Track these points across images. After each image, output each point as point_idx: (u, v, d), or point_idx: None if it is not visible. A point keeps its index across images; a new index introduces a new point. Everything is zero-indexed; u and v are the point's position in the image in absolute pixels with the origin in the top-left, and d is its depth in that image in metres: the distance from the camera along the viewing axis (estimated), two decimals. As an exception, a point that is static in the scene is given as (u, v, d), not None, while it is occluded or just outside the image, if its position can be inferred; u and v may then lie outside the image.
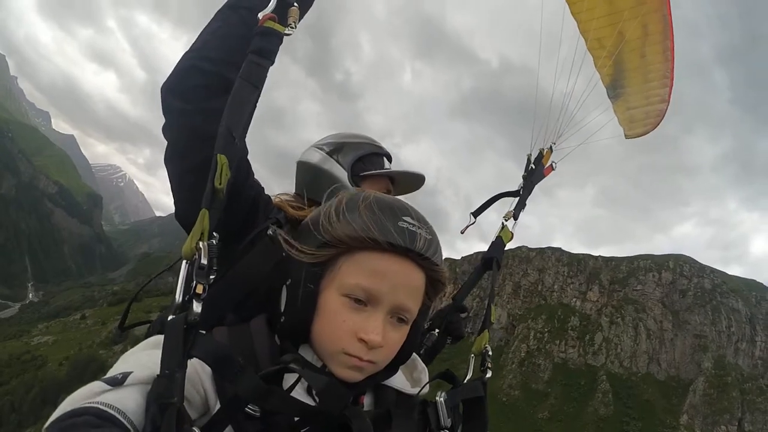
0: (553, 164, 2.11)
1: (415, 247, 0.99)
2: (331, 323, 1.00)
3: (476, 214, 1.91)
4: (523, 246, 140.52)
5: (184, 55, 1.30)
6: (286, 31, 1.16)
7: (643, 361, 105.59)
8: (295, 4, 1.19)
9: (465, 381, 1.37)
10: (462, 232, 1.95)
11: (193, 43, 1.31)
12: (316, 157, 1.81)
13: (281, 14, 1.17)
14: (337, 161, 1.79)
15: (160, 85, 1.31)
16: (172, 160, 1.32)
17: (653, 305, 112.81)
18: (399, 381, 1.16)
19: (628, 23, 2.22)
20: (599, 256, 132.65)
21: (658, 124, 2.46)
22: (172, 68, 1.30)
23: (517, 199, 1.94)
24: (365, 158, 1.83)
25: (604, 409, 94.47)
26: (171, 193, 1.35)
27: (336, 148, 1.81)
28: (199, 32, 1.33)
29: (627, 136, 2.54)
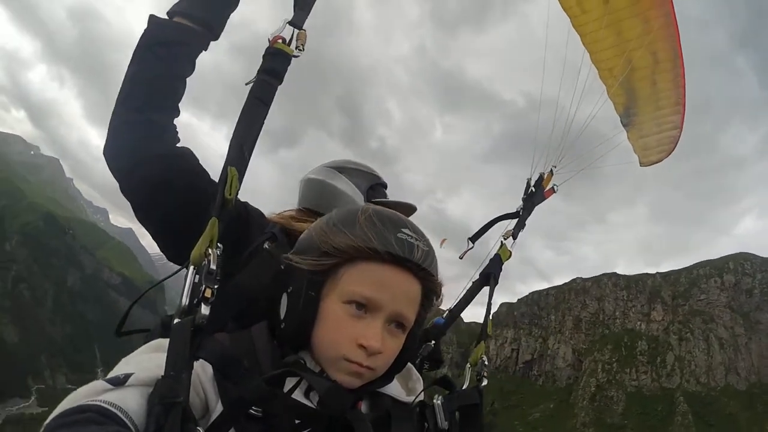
0: (555, 187, 2.14)
1: (413, 257, 1.04)
2: (332, 330, 1.03)
3: (474, 239, 1.98)
4: (577, 278, 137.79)
5: (113, 112, 1.32)
6: (294, 53, 1.21)
7: (720, 373, 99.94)
8: (304, 29, 1.23)
9: (462, 388, 1.43)
10: (461, 258, 2.01)
11: (118, 96, 1.32)
12: (327, 175, 1.90)
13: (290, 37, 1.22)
14: (350, 181, 1.90)
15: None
16: (146, 218, 1.39)
17: (721, 312, 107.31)
18: (394, 389, 1.19)
19: (636, 52, 2.27)
20: (656, 273, 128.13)
21: (672, 151, 2.48)
22: (107, 129, 1.32)
23: (516, 220, 2.02)
24: (375, 187, 1.97)
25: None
26: (158, 245, 1.42)
27: (346, 170, 1.93)
28: (124, 82, 1.33)
29: (642, 164, 2.55)
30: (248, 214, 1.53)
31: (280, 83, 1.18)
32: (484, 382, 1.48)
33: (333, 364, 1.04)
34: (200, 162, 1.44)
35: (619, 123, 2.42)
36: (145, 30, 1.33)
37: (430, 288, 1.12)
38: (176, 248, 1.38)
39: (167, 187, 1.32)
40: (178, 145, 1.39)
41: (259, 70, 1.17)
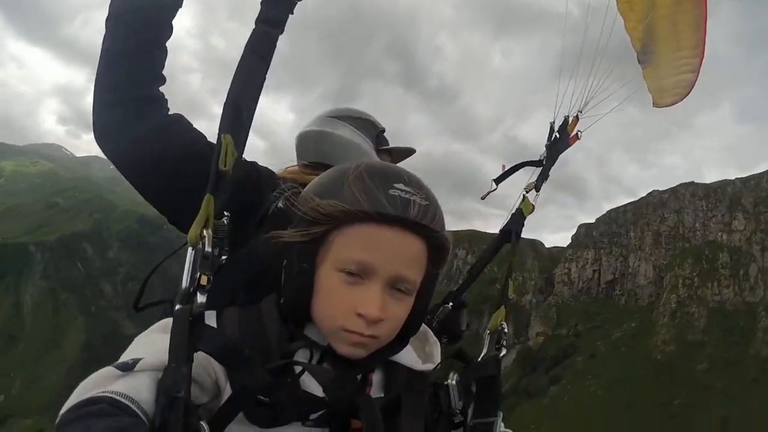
0: (579, 133, 1.99)
1: (408, 215, 0.95)
2: (327, 300, 0.98)
3: (498, 181, 1.88)
4: (653, 191, 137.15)
5: (93, 92, 1.26)
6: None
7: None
8: None
9: (479, 359, 1.36)
10: (483, 198, 1.91)
11: (96, 74, 1.26)
12: (327, 124, 1.76)
13: None
14: (355, 128, 1.78)
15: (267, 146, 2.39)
16: (148, 196, 1.35)
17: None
18: (409, 357, 1.12)
19: None
20: (736, 178, 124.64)
21: (687, 95, 2.37)
22: (92, 111, 1.27)
23: (540, 169, 1.88)
24: (380, 135, 1.87)
25: (767, 350, 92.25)
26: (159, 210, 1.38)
27: (348, 118, 1.80)
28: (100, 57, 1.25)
29: (655, 105, 2.43)
30: (258, 173, 1.45)
31: (281, 32, 1.07)
32: (503, 352, 1.40)
33: (333, 335, 0.99)
34: (193, 127, 1.38)
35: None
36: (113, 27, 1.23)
37: (436, 244, 1.02)
38: (175, 218, 1.36)
39: (160, 163, 1.27)
40: (168, 114, 1.32)
41: (257, 20, 1.05)
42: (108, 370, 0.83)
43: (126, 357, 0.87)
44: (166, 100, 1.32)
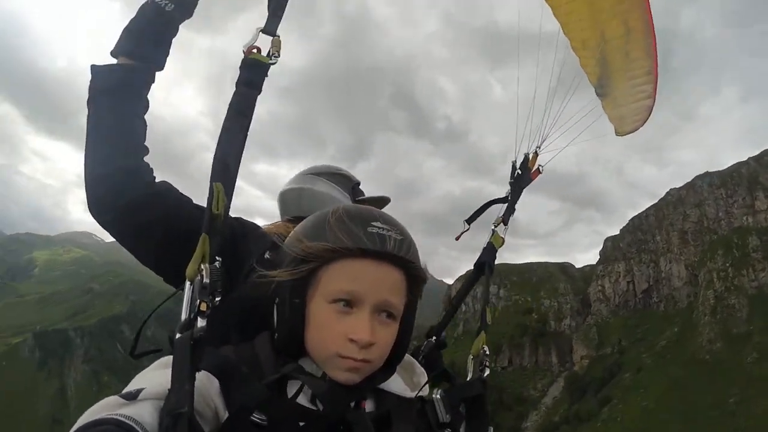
0: (540, 168, 2.12)
1: (386, 248, 1.06)
2: (321, 330, 1.06)
3: (470, 221, 1.96)
4: (670, 189, 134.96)
5: (84, 166, 1.33)
6: (270, 61, 1.21)
7: None
8: (278, 35, 1.23)
9: (466, 381, 1.44)
10: (456, 239, 2.00)
11: (84, 150, 1.33)
12: (306, 181, 1.95)
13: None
14: (332, 183, 1.95)
15: None
16: (141, 259, 1.43)
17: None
18: (398, 386, 1.19)
19: (608, 23, 2.30)
20: (749, 158, 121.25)
21: (646, 120, 2.49)
22: (84, 184, 1.34)
23: (506, 205, 1.99)
24: (355, 188, 2.05)
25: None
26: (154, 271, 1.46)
27: (324, 174, 1.97)
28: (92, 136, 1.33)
29: (618, 134, 2.55)
30: (243, 227, 1.55)
31: (259, 93, 1.19)
32: (487, 372, 1.49)
33: (329, 362, 1.06)
34: (179, 192, 1.46)
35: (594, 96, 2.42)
36: (89, 81, 1.33)
37: (413, 273, 1.12)
38: (173, 276, 1.41)
39: (152, 228, 1.35)
40: (154, 182, 1.39)
41: (237, 83, 1.18)
42: (113, 399, 0.88)
43: (129, 388, 0.92)
44: (152, 169, 1.39)
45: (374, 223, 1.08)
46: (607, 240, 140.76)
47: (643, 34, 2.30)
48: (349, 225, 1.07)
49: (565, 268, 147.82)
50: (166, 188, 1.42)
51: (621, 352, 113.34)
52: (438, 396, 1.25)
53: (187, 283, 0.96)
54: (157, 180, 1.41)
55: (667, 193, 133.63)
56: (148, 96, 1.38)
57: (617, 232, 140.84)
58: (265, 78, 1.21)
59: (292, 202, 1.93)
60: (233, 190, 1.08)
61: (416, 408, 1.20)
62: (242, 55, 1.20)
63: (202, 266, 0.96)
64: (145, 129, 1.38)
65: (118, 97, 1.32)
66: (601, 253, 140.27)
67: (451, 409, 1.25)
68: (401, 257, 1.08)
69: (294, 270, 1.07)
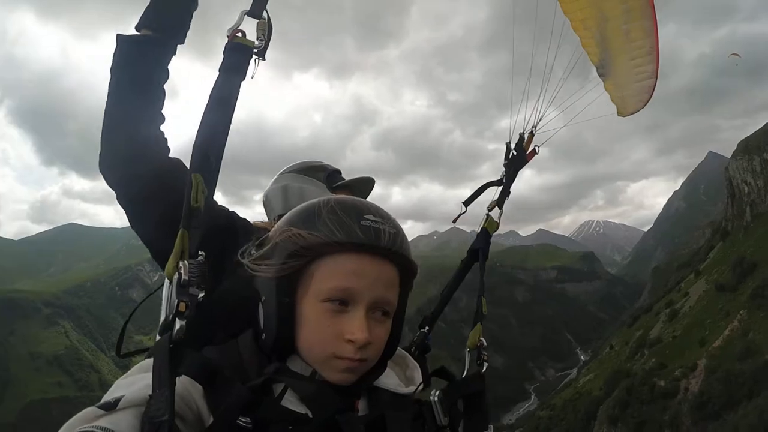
0: (537, 148, 2.06)
1: (381, 243, 1.01)
2: (315, 331, 1.01)
3: (467, 203, 1.93)
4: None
5: (102, 126, 1.35)
6: (255, 45, 1.16)
7: None
8: (264, 17, 1.18)
9: (463, 376, 1.39)
10: (454, 222, 1.98)
11: (104, 111, 1.35)
12: (288, 179, 1.99)
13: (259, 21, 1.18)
14: (311, 177, 2.01)
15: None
16: (138, 228, 1.43)
17: None
18: (391, 381, 1.16)
19: (607, 2, 2.25)
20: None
21: (649, 100, 2.44)
22: (100, 142, 1.35)
23: (501, 187, 1.95)
24: (331, 174, 2.07)
25: None
26: (148, 247, 1.43)
27: (302, 170, 2.03)
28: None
29: (620, 114, 2.53)
30: (234, 222, 1.56)
31: (243, 79, 1.14)
32: (485, 367, 1.44)
33: (324, 364, 1.02)
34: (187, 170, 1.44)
35: (596, 74, 2.39)
36: (114, 49, 1.35)
37: (406, 268, 1.09)
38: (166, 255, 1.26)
39: (154, 200, 1.36)
40: (169, 157, 1.41)
41: (219, 68, 1.12)
42: (90, 410, 0.84)
43: (107, 397, 0.87)
44: (167, 139, 1.41)
45: (367, 216, 1.03)
46: None
47: (642, 13, 2.26)
48: (343, 217, 1.02)
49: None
50: (179, 166, 1.44)
51: None
52: (436, 398, 1.21)
53: (166, 281, 0.92)
54: (170, 155, 1.43)
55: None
56: (169, 67, 1.39)
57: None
58: (250, 63, 1.15)
59: (273, 201, 1.99)
60: (216, 182, 1.04)
61: (413, 410, 1.16)
62: (226, 40, 1.14)
63: (181, 263, 0.92)
64: (164, 99, 1.40)
65: (141, 66, 1.33)
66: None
67: (449, 410, 1.21)
68: (395, 251, 1.04)
69: (282, 265, 1.01)
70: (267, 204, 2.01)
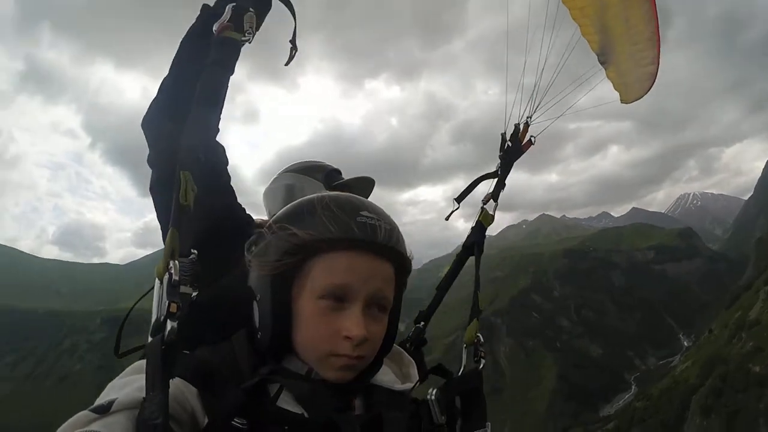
0: (532, 139, 2.03)
1: (377, 239, 1.02)
2: (312, 329, 1.01)
3: (459, 199, 1.92)
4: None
5: (159, 89, 1.38)
6: (242, 38, 1.15)
7: None
8: (251, 10, 1.17)
9: (459, 373, 1.40)
10: (446, 219, 1.95)
11: (167, 75, 1.35)
12: (289, 179, 2.04)
13: (237, 22, 1.15)
14: (309, 177, 2.04)
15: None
16: (162, 189, 1.40)
17: None
18: (388, 378, 1.16)
19: None
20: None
21: (651, 87, 2.43)
22: (152, 100, 1.39)
23: (496, 180, 1.93)
24: (330, 173, 2.11)
25: None
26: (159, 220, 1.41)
27: (301, 170, 2.07)
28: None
29: (623, 101, 2.51)
30: (234, 219, 1.53)
31: (232, 74, 1.13)
32: (482, 363, 1.44)
33: (321, 362, 1.02)
34: (227, 164, 1.50)
35: (593, 63, 2.36)
36: (195, 19, 1.31)
37: (401, 264, 1.10)
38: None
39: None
40: (216, 138, 1.31)
41: (207, 63, 1.11)
42: (83, 414, 0.84)
43: (100, 400, 0.87)
44: (219, 127, 1.38)
45: (363, 212, 1.03)
46: None
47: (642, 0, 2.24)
48: (338, 214, 1.02)
49: None
50: (221, 150, 1.47)
51: None
52: (433, 397, 1.21)
53: (156, 282, 0.92)
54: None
55: None
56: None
57: None
58: (238, 57, 1.15)
59: (271, 200, 2.05)
60: (217, 180, 1.05)
61: (410, 408, 1.16)
62: (213, 34, 1.14)
63: (171, 263, 0.90)
64: (226, 88, 1.27)
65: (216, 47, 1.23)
66: None
67: (446, 409, 1.21)
68: (391, 247, 1.05)
69: (277, 262, 1.01)
70: (265, 203, 2.13)
